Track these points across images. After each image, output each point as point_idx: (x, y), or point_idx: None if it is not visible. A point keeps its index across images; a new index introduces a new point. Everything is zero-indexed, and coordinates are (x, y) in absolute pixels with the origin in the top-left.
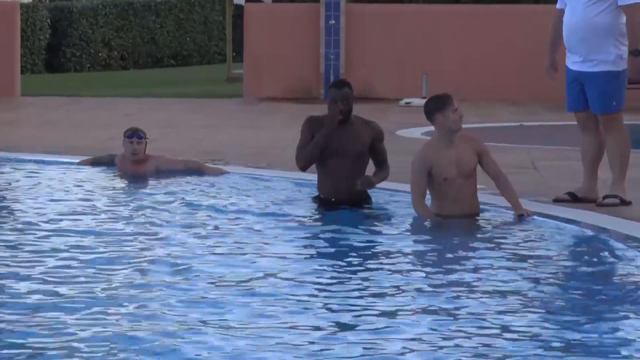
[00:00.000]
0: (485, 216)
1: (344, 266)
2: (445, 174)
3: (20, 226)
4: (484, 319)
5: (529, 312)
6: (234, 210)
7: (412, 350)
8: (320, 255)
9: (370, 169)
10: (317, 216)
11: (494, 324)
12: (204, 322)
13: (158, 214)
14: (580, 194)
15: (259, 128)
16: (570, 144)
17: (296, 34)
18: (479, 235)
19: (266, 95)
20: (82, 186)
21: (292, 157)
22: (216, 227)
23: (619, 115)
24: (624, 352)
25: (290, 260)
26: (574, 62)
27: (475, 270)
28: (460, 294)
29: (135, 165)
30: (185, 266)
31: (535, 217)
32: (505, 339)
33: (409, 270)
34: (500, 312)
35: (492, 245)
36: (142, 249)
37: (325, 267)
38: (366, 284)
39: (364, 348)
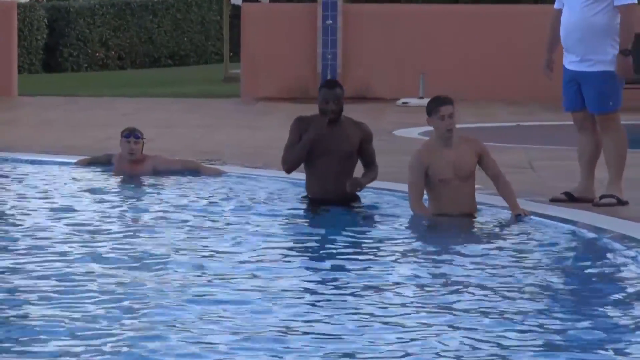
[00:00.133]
0: (481, 216)
1: (333, 266)
2: (441, 175)
3: (16, 226)
4: (479, 318)
5: (525, 311)
6: (228, 210)
7: (406, 350)
8: (310, 255)
9: (358, 170)
10: (306, 216)
11: (490, 323)
12: (200, 319)
13: (155, 213)
14: (577, 193)
15: (256, 128)
16: (567, 143)
17: (293, 34)
18: (474, 235)
19: (263, 95)
20: (79, 186)
21: None
22: (210, 227)
23: (615, 115)
24: (620, 351)
25: (280, 260)
26: (571, 62)
27: (470, 269)
28: (454, 293)
29: (133, 165)
30: (181, 265)
31: (532, 217)
32: (500, 338)
33: (399, 270)
34: (495, 312)
35: (488, 245)
36: (139, 249)
37: (313, 268)
38: (355, 283)
39: (357, 347)
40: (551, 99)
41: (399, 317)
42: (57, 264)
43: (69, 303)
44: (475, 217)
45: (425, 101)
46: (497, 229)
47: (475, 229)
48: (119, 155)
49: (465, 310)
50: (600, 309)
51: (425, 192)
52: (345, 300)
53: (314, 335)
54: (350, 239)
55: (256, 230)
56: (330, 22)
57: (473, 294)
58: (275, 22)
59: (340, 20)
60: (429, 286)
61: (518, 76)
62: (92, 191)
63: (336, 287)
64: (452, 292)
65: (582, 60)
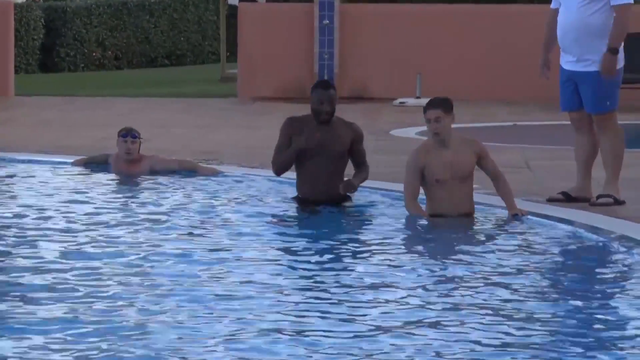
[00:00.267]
0: (478, 216)
1: (323, 267)
2: (438, 175)
3: (13, 226)
4: (475, 318)
5: (520, 311)
6: (224, 210)
7: (397, 351)
8: (301, 255)
9: (349, 170)
10: (296, 216)
11: (486, 322)
12: (195, 317)
13: (151, 213)
14: (574, 193)
15: (253, 128)
16: (564, 143)
17: (290, 34)
18: (470, 235)
19: (260, 95)
20: (76, 186)
21: None
22: (206, 227)
23: (612, 115)
24: (617, 349)
25: (272, 260)
26: (567, 62)
27: (465, 268)
28: (450, 291)
29: (129, 165)
30: (177, 264)
31: (529, 216)
32: (496, 337)
33: (390, 270)
34: (490, 312)
35: (485, 244)
36: (135, 248)
37: (303, 268)
38: (347, 283)
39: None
40: (548, 99)
41: (392, 317)
42: (54, 264)
43: (65, 302)
44: (471, 217)
45: (422, 101)
46: (493, 229)
47: (471, 229)
48: (115, 155)
49: (460, 310)
50: (598, 309)
51: (424, 192)
52: (337, 301)
53: (306, 335)
54: (341, 240)
55: (249, 230)
56: (327, 22)
57: (468, 293)
58: (272, 22)
59: (337, 20)
60: (422, 285)
61: (515, 76)
62: (89, 191)
63: (326, 288)
64: (446, 291)
65: (579, 60)
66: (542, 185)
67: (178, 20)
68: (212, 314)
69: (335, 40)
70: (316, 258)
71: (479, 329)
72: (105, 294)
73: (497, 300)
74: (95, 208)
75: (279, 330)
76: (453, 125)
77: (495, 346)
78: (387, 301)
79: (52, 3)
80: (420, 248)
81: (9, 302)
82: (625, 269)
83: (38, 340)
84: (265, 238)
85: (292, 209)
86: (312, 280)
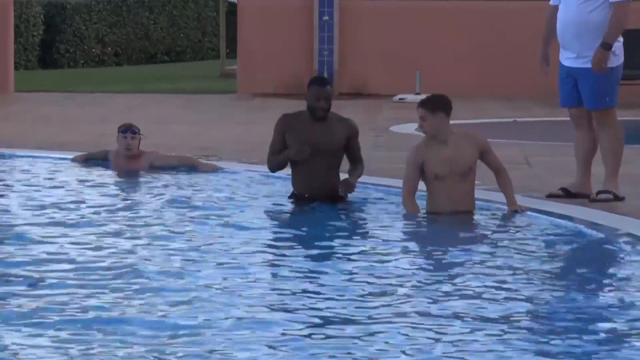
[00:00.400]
0: (478, 212)
1: (318, 262)
2: (437, 171)
3: (12, 222)
4: (473, 315)
5: (521, 307)
6: (223, 205)
7: (395, 348)
8: (297, 251)
9: (344, 166)
10: (292, 212)
11: (484, 321)
12: (194, 317)
13: (151, 209)
14: (574, 189)
15: (252, 124)
16: (564, 139)
17: (290, 30)
18: (469, 230)
19: (260, 91)
20: (75, 182)
21: None
22: (205, 223)
23: (612, 112)
24: (618, 344)
25: (271, 254)
26: (567, 58)
27: (464, 264)
28: (447, 288)
29: (129, 161)
30: (176, 261)
31: (529, 212)
32: (496, 335)
33: (386, 266)
34: (491, 309)
35: (484, 240)
36: (135, 244)
37: (299, 264)
38: (343, 280)
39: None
40: (547, 95)
41: (388, 314)
42: (53, 260)
43: (64, 298)
44: (471, 213)
45: (421, 97)
46: (493, 225)
47: (469, 225)
48: (115, 151)
49: (459, 307)
50: (598, 305)
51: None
52: (332, 298)
53: (304, 334)
54: (338, 236)
55: (248, 226)
56: (327, 18)
57: (465, 290)
58: (271, 18)
59: (337, 17)
60: (418, 281)
61: (516, 72)
62: (89, 187)
63: (322, 283)
64: (443, 288)
65: (578, 56)
66: (541, 181)
67: (178, 16)
68: (210, 310)
69: (335, 37)
70: (312, 253)
71: (477, 327)
72: (103, 290)
73: (495, 297)
74: (95, 204)
75: (275, 326)
76: (452, 122)
77: (494, 342)
78: (383, 296)
79: None
80: (417, 245)
81: (7, 300)
82: (625, 264)
83: (35, 337)
84: (263, 234)
85: (289, 205)
86: (307, 278)
